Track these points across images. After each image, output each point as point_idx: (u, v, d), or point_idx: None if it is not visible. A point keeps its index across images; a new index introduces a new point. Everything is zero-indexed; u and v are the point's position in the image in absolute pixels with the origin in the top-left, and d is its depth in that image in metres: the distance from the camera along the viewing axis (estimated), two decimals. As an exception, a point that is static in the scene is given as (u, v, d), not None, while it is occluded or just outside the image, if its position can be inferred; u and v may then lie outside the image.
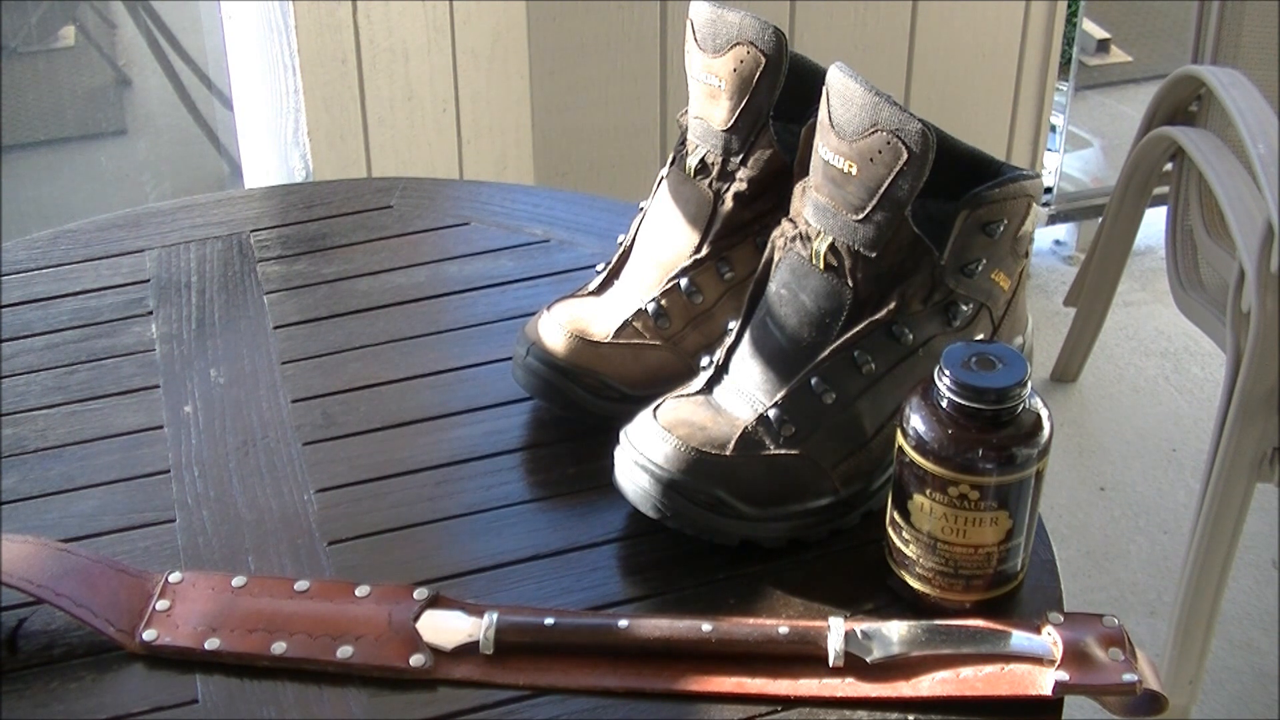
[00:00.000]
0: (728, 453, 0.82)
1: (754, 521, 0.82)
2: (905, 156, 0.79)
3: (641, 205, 0.97)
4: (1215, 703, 1.71)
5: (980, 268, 0.83)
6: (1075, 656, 0.74)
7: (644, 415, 0.84)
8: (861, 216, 0.81)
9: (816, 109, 0.85)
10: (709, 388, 0.85)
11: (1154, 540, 1.93)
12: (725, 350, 0.86)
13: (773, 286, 0.85)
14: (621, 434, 0.84)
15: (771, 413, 0.83)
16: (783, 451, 0.82)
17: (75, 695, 0.76)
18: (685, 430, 0.82)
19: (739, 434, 0.82)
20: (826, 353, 0.83)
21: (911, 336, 0.83)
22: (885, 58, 2.12)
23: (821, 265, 0.83)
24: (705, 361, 0.87)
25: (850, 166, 0.80)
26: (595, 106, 2.02)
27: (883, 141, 0.79)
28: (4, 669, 0.77)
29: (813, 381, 0.83)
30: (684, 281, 0.92)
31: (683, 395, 0.85)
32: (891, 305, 0.82)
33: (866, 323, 0.82)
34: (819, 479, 0.83)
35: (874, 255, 0.81)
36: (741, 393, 0.84)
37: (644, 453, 0.82)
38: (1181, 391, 2.18)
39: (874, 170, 0.80)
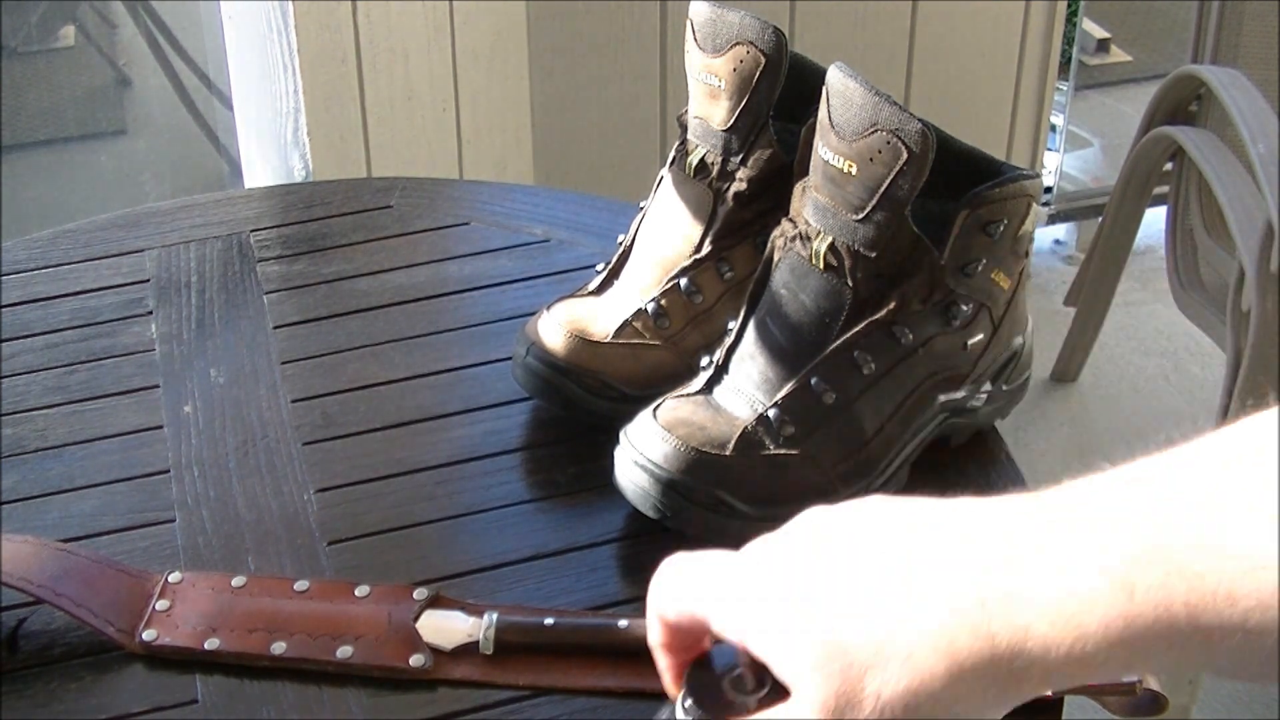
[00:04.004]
0: (727, 453, 0.81)
1: (754, 521, 0.82)
2: (905, 156, 0.79)
3: (641, 205, 0.97)
4: (1215, 703, 1.71)
5: (980, 268, 0.83)
6: (1075, 656, 0.74)
7: (644, 415, 0.84)
8: (861, 216, 0.81)
9: (816, 109, 0.85)
10: (709, 388, 0.85)
11: (1154, 540, 1.93)
12: (725, 350, 0.86)
13: (772, 286, 0.85)
14: (621, 434, 0.84)
15: (771, 413, 0.82)
16: (783, 451, 0.82)
17: (75, 695, 0.76)
18: (685, 430, 0.82)
19: (739, 434, 0.82)
20: (826, 353, 0.82)
21: (911, 336, 0.83)
22: (885, 58, 2.12)
23: (821, 265, 0.83)
24: (705, 361, 0.87)
25: (850, 166, 0.80)
26: (595, 106, 2.02)
27: (882, 141, 0.79)
28: (4, 669, 0.77)
29: (813, 381, 0.83)
30: (684, 281, 0.92)
31: (682, 395, 0.85)
32: (892, 305, 0.82)
33: (866, 323, 0.82)
34: (819, 479, 0.83)
35: (874, 255, 0.81)
36: (741, 393, 0.84)
37: (644, 452, 0.82)
38: (1181, 391, 2.18)
39: (874, 170, 0.80)
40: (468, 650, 0.77)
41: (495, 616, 0.77)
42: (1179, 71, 1.84)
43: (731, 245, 0.92)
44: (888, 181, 0.79)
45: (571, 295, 0.95)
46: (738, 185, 0.91)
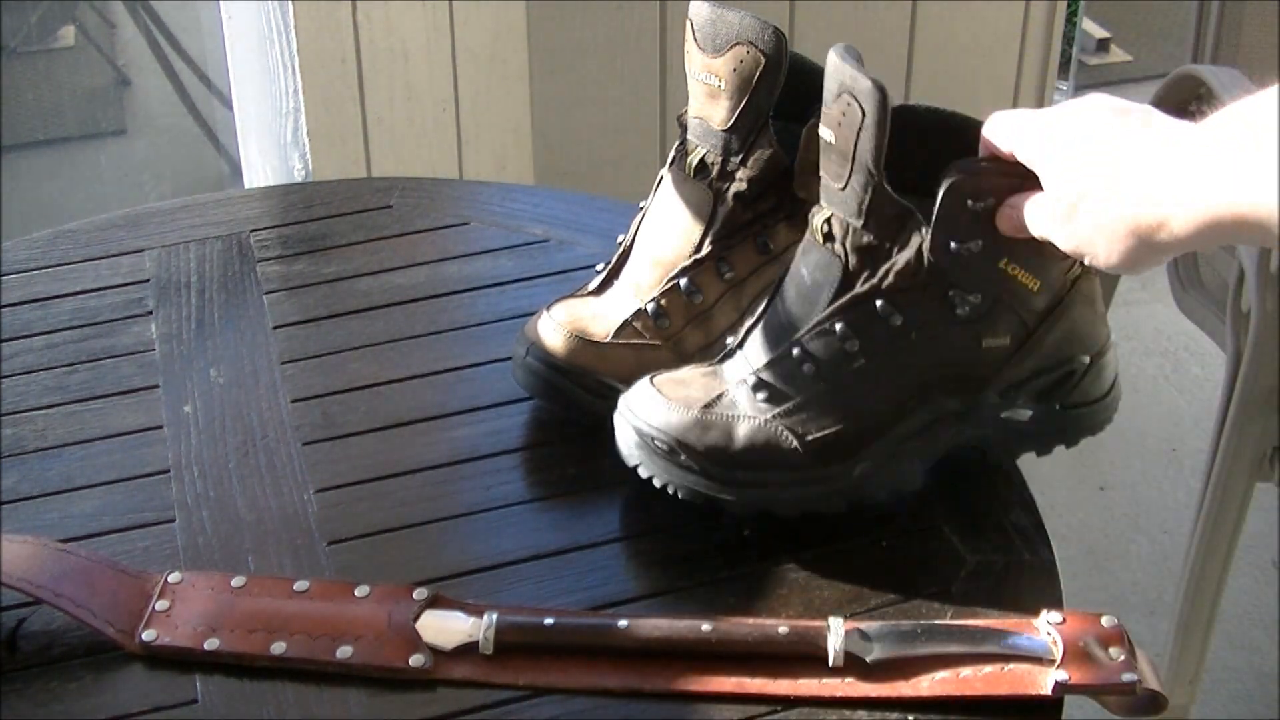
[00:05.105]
0: (697, 411, 0.82)
1: (719, 483, 0.82)
2: (862, 117, 0.78)
3: (641, 205, 0.97)
4: (1215, 702, 1.71)
5: (979, 251, 0.79)
6: (1075, 656, 0.74)
7: (643, 380, 0.85)
8: (843, 185, 0.81)
9: (816, 109, 0.85)
10: (723, 361, 0.86)
11: (1154, 540, 1.93)
12: (745, 328, 0.86)
13: (791, 266, 0.85)
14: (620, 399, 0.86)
15: (754, 379, 0.83)
16: (757, 417, 0.82)
17: (75, 695, 0.76)
18: (671, 389, 0.83)
19: (717, 395, 0.83)
20: (811, 324, 0.82)
21: (902, 320, 0.81)
22: (885, 58, 2.11)
23: (820, 239, 0.83)
24: (730, 340, 0.87)
25: (831, 135, 0.81)
26: (595, 106, 2.02)
27: (845, 104, 0.79)
28: (4, 669, 0.77)
29: (794, 352, 0.82)
30: (684, 281, 0.92)
31: (697, 367, 0.86)
32: (875, 280, 0.80)
33: (849, 296, 0.81)
34: (788, 448, 0.82)
35: (860, 225, 0.80)
36: (744, 361, 0.84)
37: (629, 407, 0.84)
38: (1181, 391, 2.18)
39: (844, 135, 0.79)
40: (468, 650, 0.77)
41: (495, 616, 0.77)
42: (1179, 71, 1.84)
43: (731, 245, 0.92)
44: (855, 145, 0.79)
45: (571, 295, 0.95)
46: (738, 185, 0.91)
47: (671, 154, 0.95)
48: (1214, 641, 1.65)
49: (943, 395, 0.84)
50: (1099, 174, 0.72)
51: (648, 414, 0.83)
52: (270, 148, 1.87)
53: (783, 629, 0.76)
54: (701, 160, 0.93)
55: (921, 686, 0.74)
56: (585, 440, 0.91)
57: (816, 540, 0.84)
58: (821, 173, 0.83)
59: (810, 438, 0.82)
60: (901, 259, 0.80)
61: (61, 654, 0.78)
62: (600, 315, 0.92)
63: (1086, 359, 0.86)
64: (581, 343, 0.91)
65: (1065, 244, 0.75)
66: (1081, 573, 1.87)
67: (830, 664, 0.75)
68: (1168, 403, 2.15)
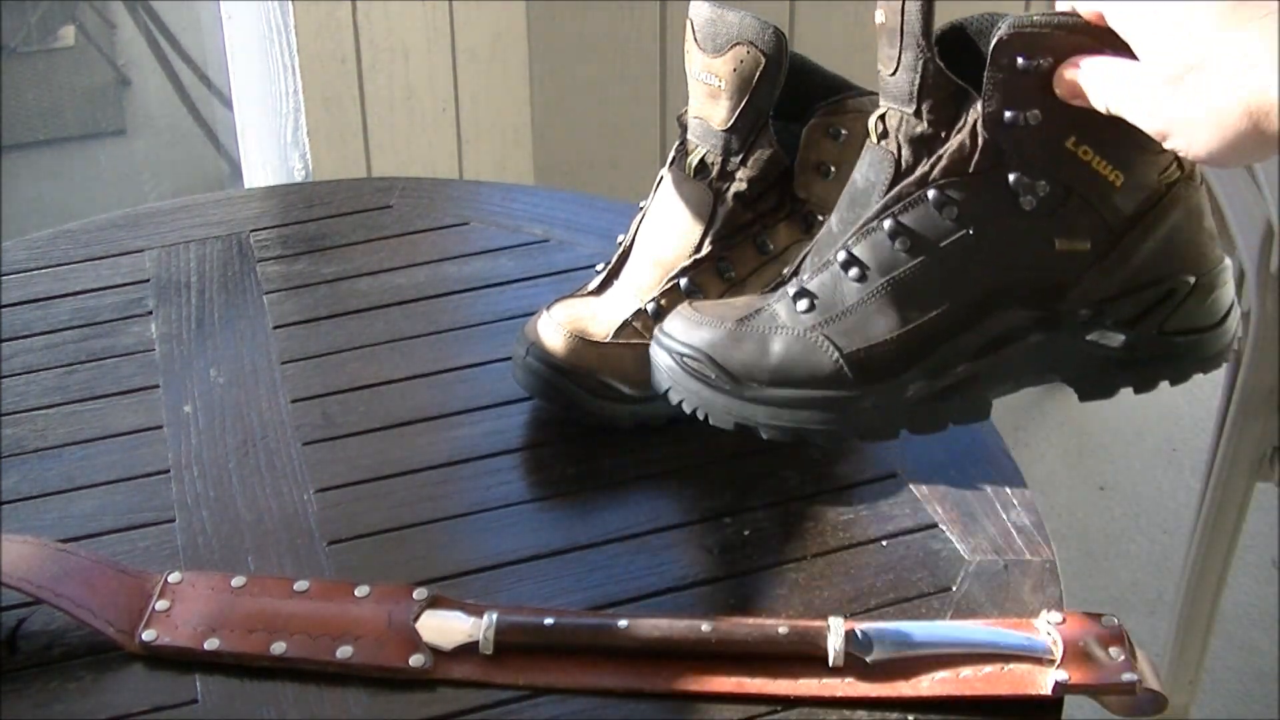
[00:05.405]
0: (731, 324, 0.78)
1: (752, 404, 0.78)
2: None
3: (641, 205, 0.97)
4: (1215, 702, 1.71)
5: (1036, 122, 0.69)
6: (1075, 656, 0.74)
7: (682, 304, 0.83)
8: (894, 69, 0.73)
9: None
10: (773, 290, 0.81)
11: (1154, 540, 1.93)
12: (800, 256, 0.82)
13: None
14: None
15: (795, 288, 0.78)
16: (795, 327, 0.77)
17: (75, 695, 0.76)
18: (708, 308, 0.81)
19: (755, 310, 0.78)
20: (859, 225, 0.75)
21: (957, 212, 0.72)
22: (885, 58, 2.11)
23: (875, 138, 0.76)
24: (787, 271, 0.84)
25: (882, 14, 0.74)
26: (595, 106, 2.02)
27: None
28: (4, 669, 0.77)
29: (840, 256, 0.76)
30: (684, 281, 0.92)
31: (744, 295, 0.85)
32: (926, 167, 0.72)
33: (899, 188, 0.72)
34: (829, 361, 0.76)
35: (913, 111, 0.72)
36: (789, 282, 0.80)
37: (662, 330, 0.82)
38: (1181, 391, 2.17)
39: (893, 7, 0.73)
40: (468, 650, 0.77)
41: (495, 616, 0.77)
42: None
43: (732, 245, 0.92)
44: (904, 16, 0.72)
45: (571, 295, 0.95)
46: (738, 185, 0.91)
47: (671, 154, 0.95)
48: (1214, 641, 1.65)
49: (1011, 306, 0.74)
50: (1223, 40, 0.60)
51: (680, 332, 0.79)
52: (270, 148, 1.87)
53: (783, 629, 0.76)
54: (701, 160, 0.93)
55: (921, 686, 0.74)
56: (585, 440, 0.91)
57: (816, 540, 0.84)
58: (878, 68, 0.76)
59: (852, 350, 0.75)
60: (955, 142, 0.71)
61: (61, 654, 0.78)
62: (600, 315, 0.93)
63: (1191, 279, 0.75)
64: (581, 343, 0.91)
65: (1152, 121, 0.64)
66: (1081, 573, 1.87)
67: (830, 664, 0.75)
68: (1168, 403, 2.15)
